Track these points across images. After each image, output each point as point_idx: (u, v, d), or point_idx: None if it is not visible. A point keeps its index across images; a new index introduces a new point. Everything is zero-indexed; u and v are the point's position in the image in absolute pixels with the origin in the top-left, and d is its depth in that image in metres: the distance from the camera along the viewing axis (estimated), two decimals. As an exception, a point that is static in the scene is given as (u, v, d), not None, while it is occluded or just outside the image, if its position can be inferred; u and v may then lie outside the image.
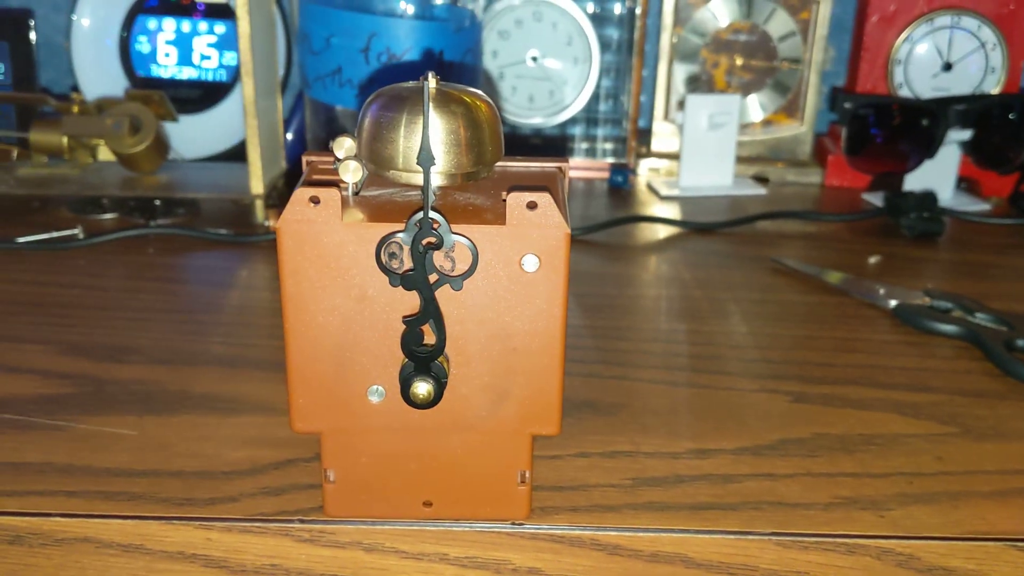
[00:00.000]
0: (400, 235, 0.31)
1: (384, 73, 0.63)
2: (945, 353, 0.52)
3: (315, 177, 0.35)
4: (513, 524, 0.37)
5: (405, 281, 0.32)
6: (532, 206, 0.32)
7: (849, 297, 0.59)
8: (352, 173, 0.33)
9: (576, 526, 0.37)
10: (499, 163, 0.37)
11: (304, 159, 0.37)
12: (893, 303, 0.56)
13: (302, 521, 0.36)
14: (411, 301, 0.33)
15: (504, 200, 0.32)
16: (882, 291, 0.58)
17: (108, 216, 0.69)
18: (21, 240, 0.63)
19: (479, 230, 0.32)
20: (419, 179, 0.32)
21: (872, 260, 0.65)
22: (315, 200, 0.31)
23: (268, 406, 0.44)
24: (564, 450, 0.41)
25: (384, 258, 0.32)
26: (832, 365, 0.50)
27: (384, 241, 0.32)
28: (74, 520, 0.36)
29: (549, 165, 0.38)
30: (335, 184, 0.32)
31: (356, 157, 0.33)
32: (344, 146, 0.33)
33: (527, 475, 0.36)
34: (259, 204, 0.67)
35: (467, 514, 0.36)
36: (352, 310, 0.33)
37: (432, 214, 0.31)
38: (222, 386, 0.46)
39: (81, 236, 0.64)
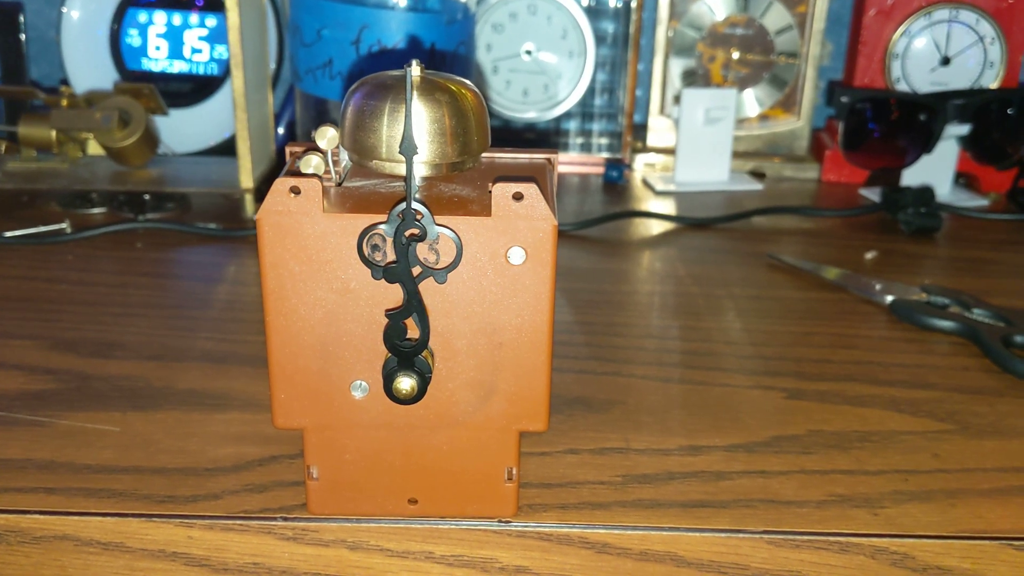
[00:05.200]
0: (382, 226, 0.31)
1: (375, 64, 0.62)
2: (942, 349, 0.51)
3: (295, 168, 0.34)
4: (500, 522, 0.36)
5: (388, 274, 0.31)
6: (518, 197, 0.31)
7: (846, 293, 0.58)
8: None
9: (564, 524, 0.36)
10: (486, 154, 0.37)
11: (288, 150, 0.36)
12: (890, 299, 0.56)
13: (285, 519, 0.36)
14: (395, 294, 0.32)
15: (490, 191, 0.31)
16: (879, 287, 0.57)
17: (97, 210, 0.68)
18: (8, 235, 0.62)
19: (464, 221, 0.31)
20: (402, 169, 0.31)
21: (869, 256, 0.65)
22: (295, 190, 0.31)
23: (254, 402, 0.44)
24: (554, 447, 0.41)
25: (366, 250, 0.31)
26: (828, 361, 0.49)
27: (366, 233, 0.31)
28: (54, 517, 0.36)
29: (537, 157, 0.37)
30: (317, 175, 0.32)
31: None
32: (327, 136, 0.32)
33: (514, 472, 0.35)
34: (249, 198, 0.66)
35: (453, 512, 0.36)
36: (335, 303, 0.32)
37: (415, 205, 0.30)
38: (209, 382, 0.45)
39: (69, 231, 0.63)
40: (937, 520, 0.37)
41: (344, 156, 0.34)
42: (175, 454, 0.40)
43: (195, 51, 0.79)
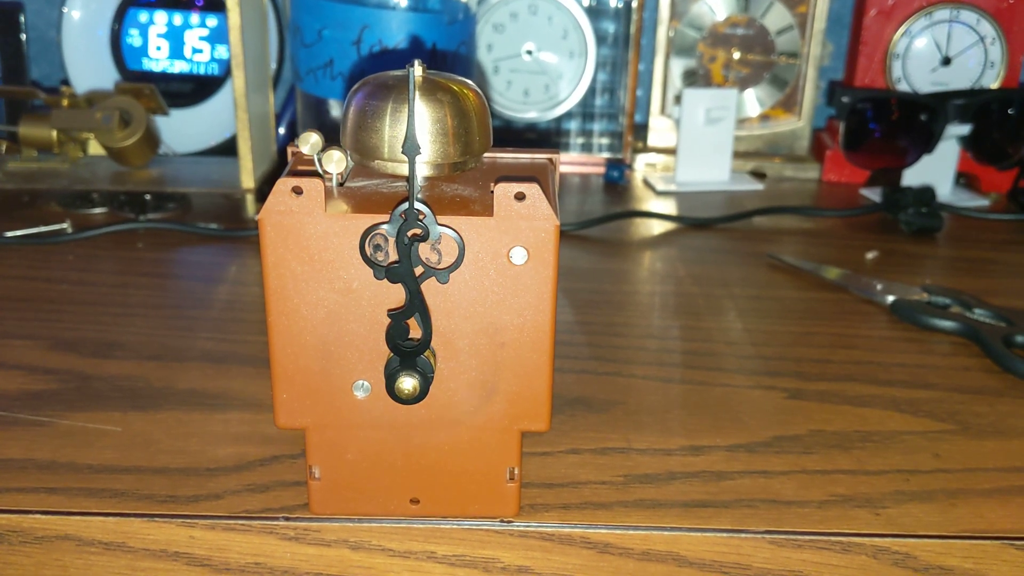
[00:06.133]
0: (385, 226, 0.31)
1: (376, 65, 0.62)
2: (943, 349, 0.51)
3: (300, 168, 0.34)
4: (502, 522, 0.36)
5: (390, 274, 0.31)
6: (520, 197, 0.31)
7: (847, 293, 0.58)
8: (336, 164, 0.32)
9: (566, 524, 0.36)
10: (488, 154, 0.37)
11: (290, 150, 0.36)
12: (891, 299, 0.56)
13: (287, 519, 0.36)
14: (397, 294, 0.32)
15: (492, 191, 0.31)
16: (880, 287, 0.57)
17: (98, 210, 0.68)
18: (9, 235, 0.62)
19: (466, 221, 0.31)
20: (404, 169, 0.31)
21: (870, 256, 0.65)
22: (298, 190, 0.31)
23: (255, 402, 0.44)
24: (555, 447, 0.41)
25: (368, 250, 0.31)
26: (829, 361, 0.49)
27: (368, 233, 0.31)
28: (55, 517, 0.36)
29: (539, 157, 0.37)
30: (319, 175, 0.32)
31: (333, 149, 0.32)
32: (309, 141, 0.32)
33: (516, 472, 0.35)
34: (250, 198, 0.66)
35: (455, 511, 0.36)
36: (337, 303, 0.32)
37: (418, 205, 0.30)
38: (209, 382, 0.45)
39: (70, 231, 0.63)
40: (938, 520, 0.37)
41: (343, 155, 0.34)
42: (176, 454, 0.40)
43: (196, 51, 0.79)
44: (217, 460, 0.39)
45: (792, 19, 0.82)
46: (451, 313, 0.32)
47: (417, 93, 0.31)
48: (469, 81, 0.33)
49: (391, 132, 0.31)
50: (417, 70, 0.31)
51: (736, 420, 0.43)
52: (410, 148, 0.30)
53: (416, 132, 0.30)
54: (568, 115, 0.83)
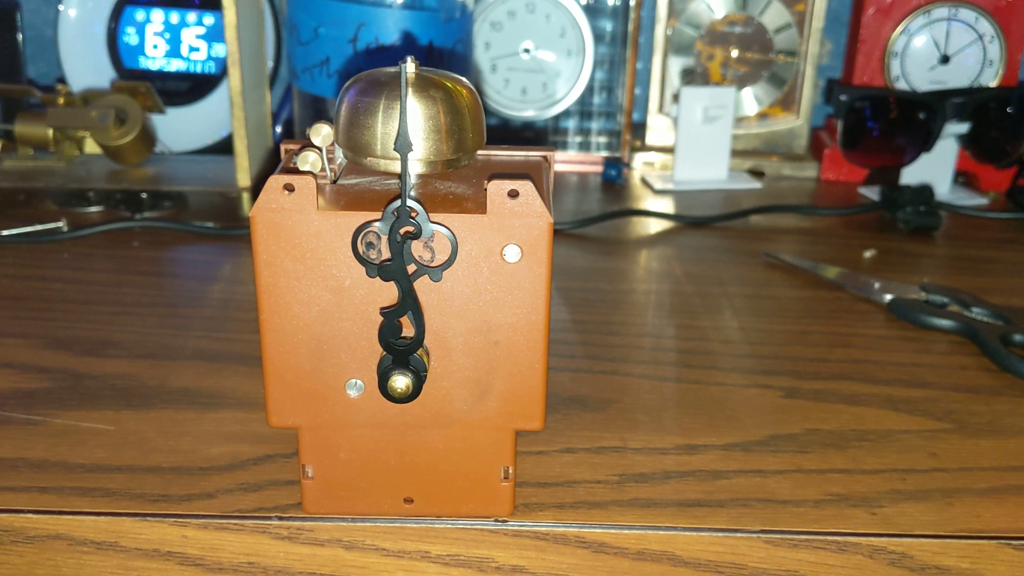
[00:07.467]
0: (377, 224, 0.31)
1: (372, 62, 0.62)
2: (941, 348, 0.51)
3: (292, 165, 0.34)
4: (496, 521, 0.36)
5: (382, 272, 0.31)
6: (514, 195, 0.31)
7: (844, 292, 0.58)
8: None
9: (561, 523, 0.36)
10: (482, 152, 0.36)
11: (283, 147, 0.36)
12: (888, 298, 0.55)
13: (280, 518, 0.36)
14: (390, 292, 0.32)
15: (485, 189, 0.31)
16: (877, 286, 0.57)
17: (94, 209, 0.68)
18: (5, 233, 0.62)
19: (459, 219, 0.31)
20: (397, 167, 0.31)
21: (868, 254, 0.65)
22: (289, 188, 0.31)
23: (249, 401, 0.43)
24: (550, 446, 0.41)
25: (361, 248, 0.31)
26: (826, 360, 0.49)
27: (360, 230, 0.31)
28: (47, 516, 0.36)
29: (534, 154, 0.37)
30: (312, 172, 0.31)
31: (334, 144, 0.32)
32: (321, 133, 0.32)
33: (510, 471, 0.35)
34: (246, 197, 0.66)
35: (449, 511, 0.36)
36: (329, 302, 0.32)
37: (410, 202, 0.30)
38: (203, 381, 0.45)
39: (65, 229, 0.63)
40: (935, 519, 0.37)
41: (339, 153, 0.34)
42: (169, 453, 0.39)
43: (192, 49, 0.79)
44: (210, 459, 0.39)
45: (790, 17, 0.82)
46: (444, 311, 0.32)
47: (410, 90, 0.31)
48: (463, 78, 0.32)
49: (383, 129, 0.31)
50: (410, 67, 0.30)
51: (732, 419, 0.43)
52: (402, 145, 0.29)
53: (408, 129, 0.30)
54: (566, 114, 0.82)
